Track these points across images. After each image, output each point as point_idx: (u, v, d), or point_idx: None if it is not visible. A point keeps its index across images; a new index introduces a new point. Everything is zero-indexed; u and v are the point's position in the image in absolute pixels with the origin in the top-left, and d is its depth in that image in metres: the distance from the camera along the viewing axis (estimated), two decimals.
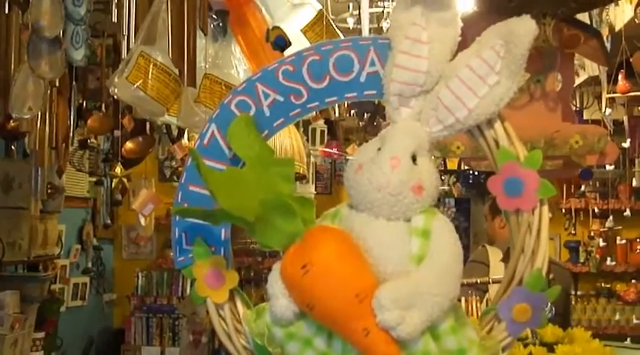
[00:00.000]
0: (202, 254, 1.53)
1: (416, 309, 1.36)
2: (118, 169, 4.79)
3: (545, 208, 1.48)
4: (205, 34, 2.86)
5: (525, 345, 2.17)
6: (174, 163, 6.36)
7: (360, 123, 6.10)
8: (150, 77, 2.72)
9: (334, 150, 5.94)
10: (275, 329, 1.46)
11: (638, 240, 7.17)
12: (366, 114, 3.62)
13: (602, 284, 7.33)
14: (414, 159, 1.43)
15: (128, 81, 2.73)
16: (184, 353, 5.43)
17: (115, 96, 2.86)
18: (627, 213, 6.55)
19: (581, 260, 7.40)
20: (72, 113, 4.37)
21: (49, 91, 3.59)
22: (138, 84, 2.71)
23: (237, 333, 1.56)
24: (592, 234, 7.38)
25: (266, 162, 1.47)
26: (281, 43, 2.45)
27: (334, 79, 1.51)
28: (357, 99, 1.52)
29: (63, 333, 5.33)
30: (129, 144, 4.80)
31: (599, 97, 5.75)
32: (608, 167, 6.11)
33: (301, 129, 5.06)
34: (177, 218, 1.55)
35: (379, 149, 1.45)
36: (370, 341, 1.35)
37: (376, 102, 3.82)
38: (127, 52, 3.26)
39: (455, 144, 2.31)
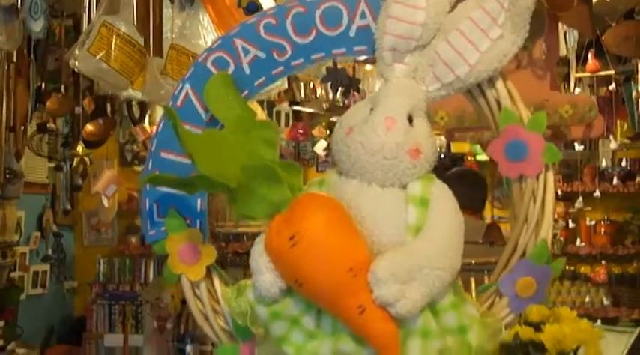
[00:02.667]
0: (176, 226, 1.40)
1: (416, 284, 1.24)
2: (80, 148, 4.62)
3: (551, 174, 1.37)
4: (172, 2, 2.71)
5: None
6: (135, 147, 6.20)
7: (325, 105, 5.97)
8: (113, 48, 2.57)
9: (300, 132, 5.82)
10: (258, 307, 1.33)
11: (602, 222, 7.15)
12: (340, 89, 3.48)
13: (567, 267, 7.31)
14: (410, 120, 1.31)
15: (90, 53, 2.57)
16: (149, 339, 5.29)
17: (76, 70, 2.70)
18: (597, 194, 6.51)
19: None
20: (31, 95, 4.22)
21: (6, 68, 3.44)
22: (100, 56, 2.55)
23: (214, 314, 1.44)
24: (556, 216, 7.34)
25: (247, 125, 1.34)
26: (253, 8, 2.32)
27: (321, 34, 1.38)
28: (347, 56, 1.39)
29: (23, 322, 5.16)
30: (89, 127, 4.65)
31: (566, 78, 5.70)
32: (577, 147, 6.06)
33: (265, 111, 4.93)
34: (148, 187, 1.41)
35: (371, 110, 1.32)
36: (365, 319, 1.23)
37: (352, 75, 3.68)
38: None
39: (439, 114, 2.19)
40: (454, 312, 1.32)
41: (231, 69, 1.38)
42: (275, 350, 1.33)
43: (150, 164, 1.41)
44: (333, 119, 5.84)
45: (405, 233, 1.29)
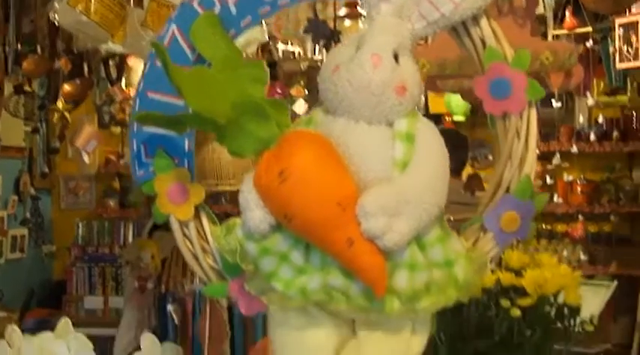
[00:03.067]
0: (164, 166, 1.41)
1: (403, 217, 1.26)
2: (60, 103, 4.59)
3: (534, 112, 1.39)
4: None
5: (492, 271, 2.11)
6: (112, 109, 6.17)
7: (303, 65, 5.97)
8: (92, 1, 2.56)
9: (278, 92, 5.81)
10: (248, 244, 1.34)
11: (578, 181, 7.21)
12: (321, 41, 3.48)
13: (544, 226, 7.37)
14: (395, 58, 1.32)
15: (69, 5, 2.56)
16: (130, 300, 5.29)
17: (56, 23, 2.69)
18: (574, 149, 6.56)
19: None
20: (7, 56, 4.20)
21: None
22: (80, 8, 2.55)
23: (203, 253, 1.45)
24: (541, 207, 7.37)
25: (234, 64, 1.35)
26: None
27: None
28: None
29: (3, 286, 5.16)
30: (66, 87, 4.63)
31: (544, 35, 5.72)
32: (554, 104, 6.09)
33: None
34: (136, 128, 1.42)
35: (357, 48, 1.33)
36: (354, 252, 1.25)
37: (334, 26, 3.68)
38: None
39: (420, 62, 2.19)
40: (440, 246, 1.34)
41: (217, 8, 1.39)
42: (264, 286, 1.35)
43: (137, 105, 1.42)
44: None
45: (392, 169, 1.31)
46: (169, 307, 3.96)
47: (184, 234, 1.44)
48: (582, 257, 6.57)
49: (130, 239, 6.53)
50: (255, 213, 1.30)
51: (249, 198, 1.30)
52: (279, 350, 1.40)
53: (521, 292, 1.93)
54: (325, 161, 1.27)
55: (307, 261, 1.33)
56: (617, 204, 7.04)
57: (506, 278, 1.98)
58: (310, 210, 1.25)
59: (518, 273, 2.02)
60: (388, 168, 1.31)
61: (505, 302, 1.88)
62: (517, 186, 1.38)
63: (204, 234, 1.44)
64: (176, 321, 3.85)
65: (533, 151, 1.38)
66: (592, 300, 3.71)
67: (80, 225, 6.87)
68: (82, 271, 6.73)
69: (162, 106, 1.38)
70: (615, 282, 3.80)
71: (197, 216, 1.44)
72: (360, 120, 1.32)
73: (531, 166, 1.38)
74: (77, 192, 7.38)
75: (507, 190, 1.39)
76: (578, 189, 7.20)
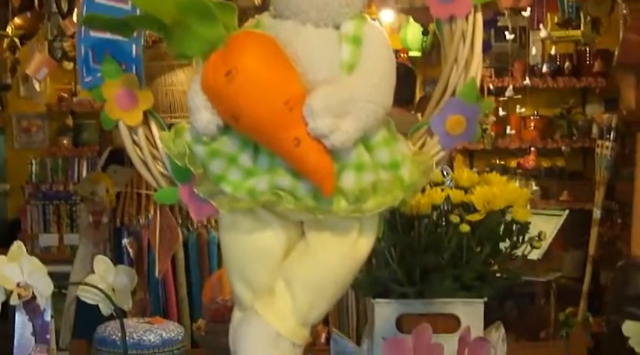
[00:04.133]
0: (112, 72, 1.40)
1: (350, 117, 1.28)
2: (10, 29, 4.50)
3: (479, 16, 1.41)
4: None
5: (442, 189, 2.13)
6: (64, 44, 6.07)
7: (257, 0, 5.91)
8: None
9: None
10: (197, 146, 1.35)
11: (531, 117, 7.27)
12: None
13: (497, 161, 7.44)
14: None
15: None
16: (84, 235, 5.29)
17: None
18: (527, 81, 6.61)
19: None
20: None
21: None
22: None
23: (153, 160, 1.45)
24: (487, 111, 7.43)
25: None
26: None
27: None
28: None
29: None
30: (17, 20, 4.56)
31: None
32: (507, 36, 6.12)
33: None
34: (83, 34, 1.41)
35: None
36: (301, 152, 1.27)
37: None
38: None
39: None
40: (387, 148, 1.36)
41: None
42: (213, 190, 1.36)
43: (84, 9, 1.40)
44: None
45: (339, 70, 1.32)
46: (124, 241, 3.95)
47: (133, 141, 1.45)
48: (534, 188, 6.65)
49: (84, 174, 6.49)
50: (202, 114, 1.31)
51: (197, 100, 1.31)
52: (229, 253, 1.42)
53: (471, 208, 1.95)
54: (272, 61, 1.28)
55: (255, 163, 1.35)
56: (570, 139, 7.13)
57: (456, 195, 2.00)
58: (257, 109, 1.25)
59: (467, 191, 2.04)
60: (335, 70, 1.32)
61: (454, 218, 1.90)
62: (462, 89, 1.40)
63: (154, 140, 1.44)
64: (131, 255, 3.85)
65: (479, 55, 1.40)
66: (545, 229, 3.77)
67: (34, 163, 6.83)
68: (36, 209, 6.71)
69: (110, 10, 1.37)
70: (567, 211, 3.87)
71: (146, 122, 1.44)
72: (308, 23, 1.33)
73: (477, 69, 1.40)
74: (30, 131, 7.30)
75: (453, 94, 1.41)
76: (532, 124, 7.27)
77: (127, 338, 2.85)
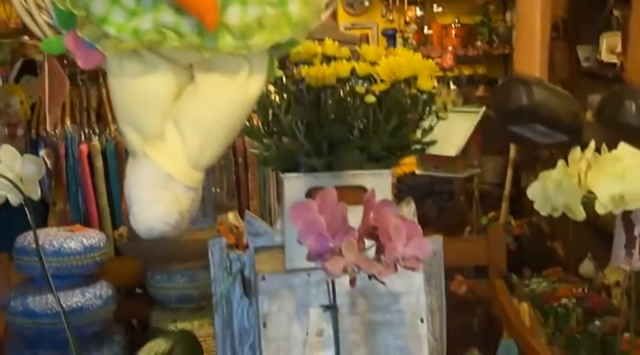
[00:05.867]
0: None
1: None
2: None
3: None
4: None
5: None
6: None
7: None
8: None
9: None
10: None
11: (452, 25, 7.31)
12: None
13: None
14: None
15: None
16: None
17: None
18: None
19: (398, 47, 7.49)
20: None
21: None
22: None
23: (38, 9, 1.42)
24: (408, 19, 7.44)
25: None
26: None
27: None
28: None
29: None
30: None
31: None
32: None
33: None
34: None
35: None
36: None
37: None
38: None
39: None
40: None
41: None
42: (97, 33, 1.33)
43: None
44: None
45: None
46: (41, 152, 3.89)
47: None
48: (452, 87, 6.72)
49: None
50: None
51: None
52: (118, 100, 1.41)
53: (377, 81, 1.95)
54: None
55: (139, 2, 1.32)
56: (490, 47, 7.19)
57: (362, 68, 2.00)
58: None
59: (374, 64, 2.04)
60: None
61: (360, 89, 1.90)
62: None
63: None
64: (49, 165, 3.79)
65: None
66: (462, 125, 3.82)
67: None
68: None
69: None
70: (484, 108, 3.91)
71: None
72: None
73: None
74: None
75: None
76: (453, 32, 7.31)
77: (48, 246, 2.83)
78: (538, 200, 1.86)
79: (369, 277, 1.48)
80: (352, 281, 1.42)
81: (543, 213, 1.86)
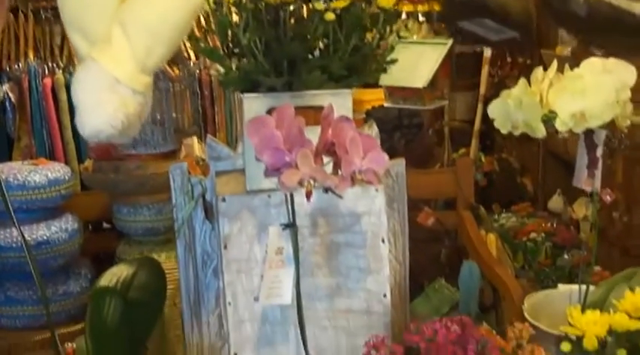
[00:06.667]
0: None
1: None
2: None
3: None
4: None
5: None
6: None
7: None
8: None
9: None
10: None
11: None
12: None
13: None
14: None
15: None
16: None
17: None
18: None
19: None
20: None
21: None
22: None
23: None
24: None
25: None
26: None
27: None
28: None
29: None
30: None
31: None
32: None
33: None
34: None
35: None
36: None
37: None
38: None
39: None
40: None
41: None
42: None
43: None
44: None
45: None
46: (4, 86, 3.84)
47: None
48: (421, 19, 6.64)
49: None
50: None
51: None
52: (65, 5, 1.37)
53: None
54: None
55: None
56: None
57: None
58: None
59: None
60: None
61: (319, 5, 1.87)
62: None
63: None
64: (13, 100, 3.74)
65: None
66: (430, 56, 3.79)
67: None
68: None
69: None
70: (451, 40, 3.88)
71: None
72: None
73: None
74: None
75: None
76: None
77: (12, 180, 2.80)
78: (498, 118, 1.85)
79: (325, 191, 1.47)
80: (308, 195, 1.41)
81: (504, 131, 1.85)
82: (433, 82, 4.22)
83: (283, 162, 1.41)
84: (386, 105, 3.73)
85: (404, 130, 4.04)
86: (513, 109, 1.79)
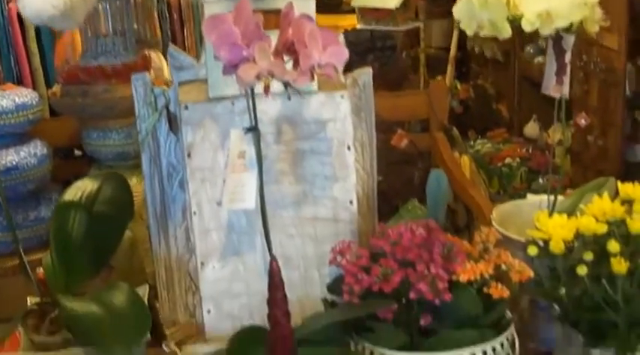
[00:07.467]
0: None
1: None
2: None
3: None
4: None
5: None
6: None
7: None
8: None
9: None
10: None
11: None
12: None
13: None
14: None
15: None
16: None
17: None
18: None
19: None
20: None
21: None
22: None
23: None
24: None
25: None
26: None
27: None
28: None
29: None
30: None
31: None
32: None
33: None
34: None
35: None
36: None
37: None
38: None
39: None
40: None
41: None
42: None
43: None
44: None
45: None
46: None
47: None
48: None
49: None
50: None
51: None
52: None
53: None
54: None
55: None
56: None
57: None
58: None
59: None
60: None
61: None
62: None
63: None
64: None
65: None
66: None
67: None
68: None
69: None
70: None
71: None
72: None
73: None
74: None
75: None
76: None
77: None
78: (464, 18, 1.81)
79: (285, 87, 1.44)
80: (266, 89, 1.38)
81: (469, 32, 1.82)
82: (406, 3, 4.19)
83: (241, 57, 1.38)
84: (359, 27, 3.71)
85: (377, 53, 4.01)
86: (479, 9, 1.76)
